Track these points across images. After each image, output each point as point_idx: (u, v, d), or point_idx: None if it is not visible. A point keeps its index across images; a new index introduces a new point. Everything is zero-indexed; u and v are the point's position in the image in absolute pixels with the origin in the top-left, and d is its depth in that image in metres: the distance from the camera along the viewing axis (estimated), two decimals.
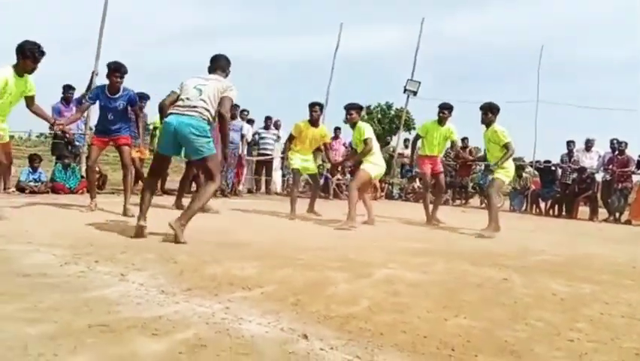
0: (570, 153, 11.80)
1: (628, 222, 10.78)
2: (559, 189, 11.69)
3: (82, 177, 8.86)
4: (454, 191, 13.74)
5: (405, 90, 14.43)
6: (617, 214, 11.12)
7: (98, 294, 2.40)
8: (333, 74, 14.44)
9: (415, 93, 14.31)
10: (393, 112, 34.67)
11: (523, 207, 12.37)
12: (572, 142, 11.91)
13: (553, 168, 12.14)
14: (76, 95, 9.45)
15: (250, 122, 11.84)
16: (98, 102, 5.98)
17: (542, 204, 12.18)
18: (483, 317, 2.51)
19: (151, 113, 9.93)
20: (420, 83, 14.34)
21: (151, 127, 10.17)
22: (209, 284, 2.75)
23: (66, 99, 9.25)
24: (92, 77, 9.62)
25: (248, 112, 11.72)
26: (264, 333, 2.01)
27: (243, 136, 10.68)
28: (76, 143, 9.45)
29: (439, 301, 2.77)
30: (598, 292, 3.31)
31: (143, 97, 9.76)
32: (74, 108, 9.24)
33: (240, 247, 4.10)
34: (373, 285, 3.04)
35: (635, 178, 11.44)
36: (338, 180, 12.11)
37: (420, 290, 2.99)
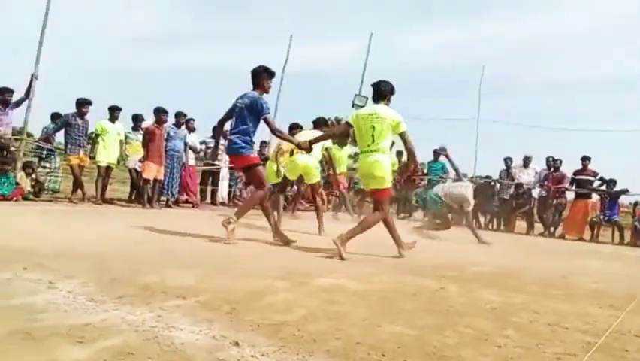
0: (508, 170, 12.27)
1: (562, 236, 11.28)
2: (497, 203, 12.12)
3: (17, 183, 8.49)
4: (398, 204, 13.97)
5: (353, 105, 14.61)
6: (552, 229, 11.63)
7: (23, 301, 2.30)
8: (283, 86, 14.46)
9: (362, 108, 14.50)
10: None
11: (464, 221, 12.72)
12: (510, 159, 12.40)
13: (492, 183, 12.58)
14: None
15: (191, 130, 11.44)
16: None
17: (482, 218, 12.57)
18: (416, 324, 2.56)
19: (92, 119, 9.65)
20: (367, 98, 14.53)
21: (93, 134, 9.88)
22: (142, 293, 2.69)
23: (3, 102, 8.83)
24: (30, 81, 9.25)
25: (194, 120, 11.47)
26: (195, 341, 1.98)
27: (186, 144, 10.46)
28: (12, 148, 9.05)
29: (375, 309, 2.80)
30: (528, 302, 3.44)
31: (85, 102, 9.46)
32: (10, 112, 8.89)
33: (179, 256, 4.03)
34: (312, 294, 3.05)
35: (568, 195, 11.99)
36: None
37: (357, 299, 3.02)
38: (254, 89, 5.48)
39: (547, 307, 3.32)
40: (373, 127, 4.87)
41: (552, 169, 11.70)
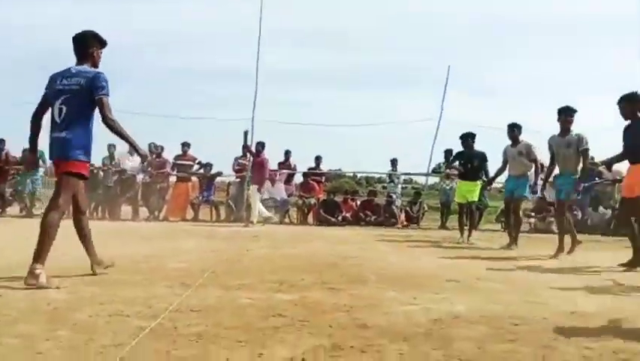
0: (111, 157, 12.05)
1: (165, 219, 11.87)
2: (102, 191, 11.85)
3: None
4: None
5: None
6: (156, 212, 12.08)
7: None
8: None
9: None
10: None
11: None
12: (113, 145, 12.05)
13: (95, 171, 12.16)
14: None
15: None
16: None
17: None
18: None
19: None
20: None
21: None
22: None
23: None
24: None
25: None
26: None
27: None
28: None
29: None
30: (96, 295, 3.35)
31: None
32: None
33: None
34: None
35: (171, 179, 12.62)
36: None
37: None
38: (79, 61, 3.99)
39: (116, 296, 3.32)
40: None
41: (154, 155, 12.04)
